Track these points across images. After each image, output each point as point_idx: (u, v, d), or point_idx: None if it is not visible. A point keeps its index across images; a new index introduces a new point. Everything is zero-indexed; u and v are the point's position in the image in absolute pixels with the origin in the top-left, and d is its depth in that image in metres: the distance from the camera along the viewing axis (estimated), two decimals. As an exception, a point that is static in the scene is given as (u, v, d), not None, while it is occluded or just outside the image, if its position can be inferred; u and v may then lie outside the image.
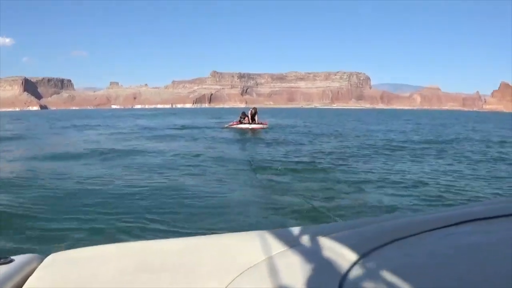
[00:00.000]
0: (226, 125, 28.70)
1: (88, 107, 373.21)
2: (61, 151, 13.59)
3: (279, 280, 0.95)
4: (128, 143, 16.50)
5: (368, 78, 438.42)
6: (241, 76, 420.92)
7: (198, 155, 12.40)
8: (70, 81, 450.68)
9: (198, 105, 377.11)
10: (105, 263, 1.11)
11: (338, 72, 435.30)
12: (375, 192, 7.38)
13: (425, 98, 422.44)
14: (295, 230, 1.24)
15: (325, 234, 1.18)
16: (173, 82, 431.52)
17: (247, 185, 8.00)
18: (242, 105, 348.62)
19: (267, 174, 9.08)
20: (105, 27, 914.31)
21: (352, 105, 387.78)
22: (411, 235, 1.14)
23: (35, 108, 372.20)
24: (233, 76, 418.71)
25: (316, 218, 5.46)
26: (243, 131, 25.09)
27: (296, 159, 11.71)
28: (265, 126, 27.13)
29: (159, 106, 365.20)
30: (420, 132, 26.68)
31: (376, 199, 6.83)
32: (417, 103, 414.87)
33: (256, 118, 27.66)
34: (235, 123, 28.00)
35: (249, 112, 28.03)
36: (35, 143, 17.84)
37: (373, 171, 9.77)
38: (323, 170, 9.80)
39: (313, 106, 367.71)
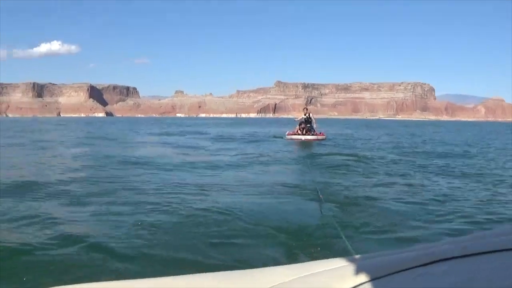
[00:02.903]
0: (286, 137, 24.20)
1: (154, 115, 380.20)
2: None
3: None
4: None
5: (432, 89, 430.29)
6: (305, 86, 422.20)
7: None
8: (136, 89, 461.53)
9: (262, 115, 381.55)
10: None
11: (402, 82, 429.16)
12: None
13: (489, 110, 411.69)
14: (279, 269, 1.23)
15: (308, 271, 1.17)
16: (238, 91, 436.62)
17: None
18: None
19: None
20: (168, 35, 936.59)
21: (417, 116, 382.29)
22: (377, 278, 1.11)
23: (101, 114, 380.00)
24: (297, 86, 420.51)
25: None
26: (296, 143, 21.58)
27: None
28: (321, 138, 23.24)
29: (223, 115, 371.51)
30: None
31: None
32: (481, 115, 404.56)
33: (313, 124, 23.53)
34: (290, 133, 24.09)
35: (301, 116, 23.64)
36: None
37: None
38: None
39: (377, 117, 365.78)
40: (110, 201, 7.17)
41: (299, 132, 23.28)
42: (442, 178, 10.70)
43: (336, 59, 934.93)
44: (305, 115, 23.63)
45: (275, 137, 26.58)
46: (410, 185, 9.46)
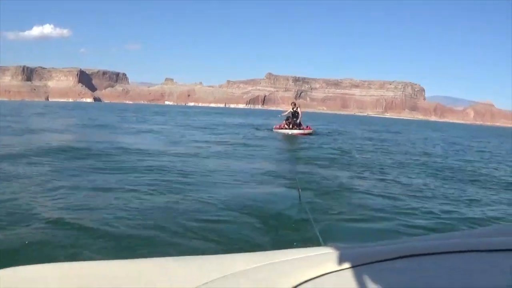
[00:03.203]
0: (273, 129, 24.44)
1: (142, 102, 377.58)
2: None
3: None
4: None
5: (422, 90, 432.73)
6: (296, 80, 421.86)
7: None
8: (125, 75, 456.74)
9: (251, 106, 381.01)
10: (38, 284, 1.07)
11: (393, 81, 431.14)
12: None
13: (478, 113, 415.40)
14: (245, 256, 1.25)
15: (273, 259, 1.19)
16: (228, 81, 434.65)
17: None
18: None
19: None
20: (160, 22, 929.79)
21: (405, 115, 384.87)
22: (340, 270, 1.13)
23: (89, 100, 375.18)
24: (288, 79, 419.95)
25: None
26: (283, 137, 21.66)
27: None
28: (307, 131, 23.22)
29: (212, 105, 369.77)
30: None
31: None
32: (470, 118, 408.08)
33: (299, 118, 23.50)
34: (277, 126, 24.29)
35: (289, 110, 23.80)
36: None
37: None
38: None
39: (366, 114, 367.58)
40: (81, 185, 7.29)
41: (286, 126, 23.38)
42: (419, 175, 10.95)
43: (328, 54, 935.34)
44: (292, 109, 23.72)
45: (261, 129, 26.51)
46: (385, 180, 9.72)
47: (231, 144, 16.42)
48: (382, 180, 9.69)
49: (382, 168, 11.70)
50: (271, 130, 24.55)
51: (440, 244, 1.32)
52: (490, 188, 9.69)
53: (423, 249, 1.26)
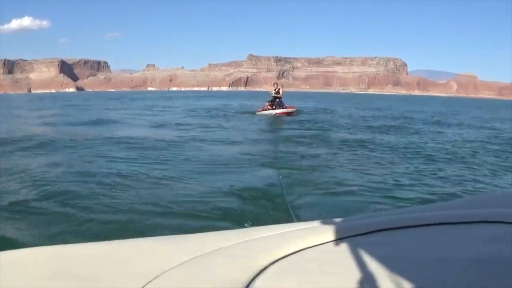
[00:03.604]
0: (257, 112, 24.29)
1: (125, 89, 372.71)
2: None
3: (194, 284, 0.96)
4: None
5: (405, 64, 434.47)
6: (278, 60, 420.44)
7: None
8: (107, 63, 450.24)
9: (234, 88, 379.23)
10: (16, 269, 1.07)
11: (375, 57, 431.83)
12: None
13: (461, 86, 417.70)
14: (220, 234, 1.26)
15: (249, 237, 1.21)
16: (209, 65, 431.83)
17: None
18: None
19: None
20: (139, 9, 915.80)
21: (388, 91, 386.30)
22: (316, 245, 1.15)
23: (72, 89, 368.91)
24: (269, 60, 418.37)
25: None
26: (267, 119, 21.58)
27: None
28: (291, 110, 23.38)
29: (195, 88, 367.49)
30: None
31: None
32: (453, 91, 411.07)
33: (281, 97, 23.55)
34: (260, 110, 24.19)
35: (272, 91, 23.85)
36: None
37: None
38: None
39: (349, 91, 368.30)
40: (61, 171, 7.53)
41: (269, 107, 23.53)
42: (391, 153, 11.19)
43: (309, 33, 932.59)
44: (275, 90, 23.83)
45: (245, 112, 26.01)
46: (361, 155, 10.11)
47: (211, 128, 16.60)
48: (356, 155, 10.07)
49: (359, 144, 12.05)
50: (254, 113, 24.38)
51: (413, 217, 1.33)
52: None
53: (397, 223, 1.27)
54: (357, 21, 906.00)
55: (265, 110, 23.66)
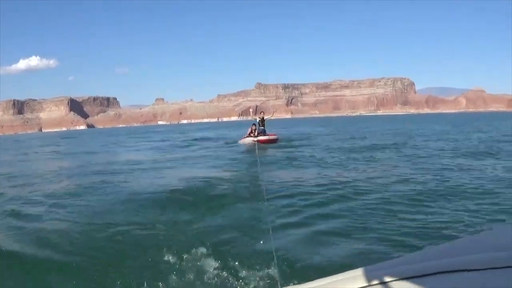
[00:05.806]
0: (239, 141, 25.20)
1: (135, 124, 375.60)
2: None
3: None
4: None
5: (412, 83, 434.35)
6: (286, 87, 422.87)
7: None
8: (116, 99, 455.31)
9: (244, 118, 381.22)
10: None
11: (382, 78, 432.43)
12: None
13: (470, 101, 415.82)
14: None
15: None
16: (218, 95, 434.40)
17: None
18: (288, 116, 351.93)
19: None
20: (146, 43, 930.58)
21: (398, 110, 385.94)
22: None
23: (82, 127, 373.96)
24: (277, 87, 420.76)
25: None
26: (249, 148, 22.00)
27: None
28: (272, 137, 23.82)
29: (205, 120, 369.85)
30: None
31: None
32: (462, 106, 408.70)
33: (263, 125, 24.34)
34: (245, 136, 24.89)
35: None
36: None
37: None
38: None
39: (358, 114, 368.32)
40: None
41: (252, 134, 24.04)
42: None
43: (315, 59, 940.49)
44: (259, 118, 24.72)
45: (228, 143, 27.65)
46: (340, 178, 10.85)
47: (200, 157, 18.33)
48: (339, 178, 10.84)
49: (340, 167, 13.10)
50: (237, 142, 25.40)
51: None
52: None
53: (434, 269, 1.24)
54: (363, 43, 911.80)
55: (248, 137, 24.22)
